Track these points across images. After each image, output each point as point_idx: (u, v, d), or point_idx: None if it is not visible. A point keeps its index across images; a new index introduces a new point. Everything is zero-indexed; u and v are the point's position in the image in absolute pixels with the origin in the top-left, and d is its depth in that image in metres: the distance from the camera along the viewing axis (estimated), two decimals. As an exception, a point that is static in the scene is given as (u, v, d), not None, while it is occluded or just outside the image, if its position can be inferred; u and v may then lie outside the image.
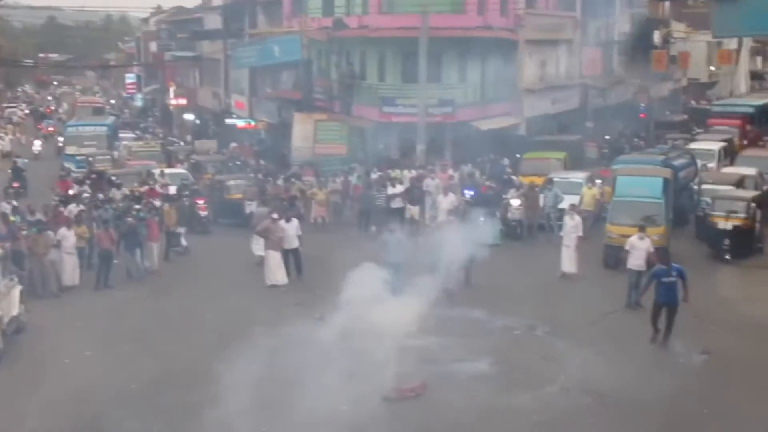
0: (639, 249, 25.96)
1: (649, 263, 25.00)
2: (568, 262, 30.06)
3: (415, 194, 38.73)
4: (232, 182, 41.68)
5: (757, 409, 19.06)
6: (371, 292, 22.91)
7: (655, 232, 28.81)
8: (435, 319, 22.68)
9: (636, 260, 25.90)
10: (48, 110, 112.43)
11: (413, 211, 37.62)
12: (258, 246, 32.09)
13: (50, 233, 29.34)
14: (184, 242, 34.78)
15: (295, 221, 30.78)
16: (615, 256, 29.12)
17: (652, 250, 25.92)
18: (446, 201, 35.53)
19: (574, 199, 34.77)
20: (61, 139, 69.07)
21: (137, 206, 33.69)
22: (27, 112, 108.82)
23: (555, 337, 23.79)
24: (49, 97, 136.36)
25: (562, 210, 33.09)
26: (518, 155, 47.02)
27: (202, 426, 17.31)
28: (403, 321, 21.67)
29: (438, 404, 19.05)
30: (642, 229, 26.62)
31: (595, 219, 35.66)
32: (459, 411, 18.70)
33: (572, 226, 30.19)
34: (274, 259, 29.55)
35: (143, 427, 17.93)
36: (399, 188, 39.02)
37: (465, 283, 27.43)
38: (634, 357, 21.88)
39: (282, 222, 30.12)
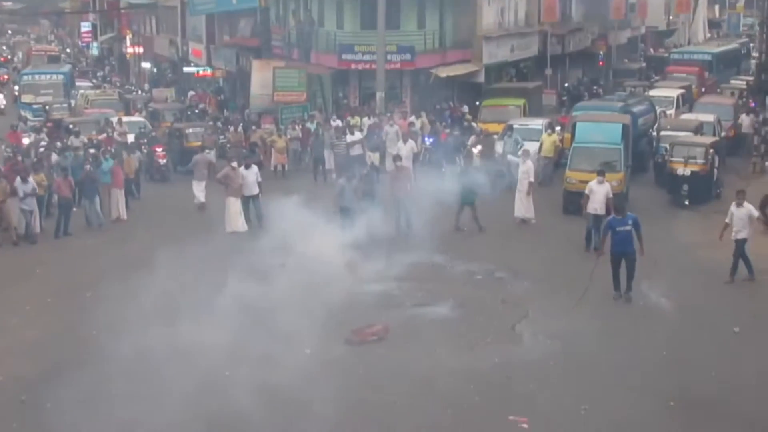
0: (598, 193, 26.18)
1: (608, 208, 25.23)
2: (522, 208, 30.24)
3: (374, 141, 38.72)
4: (190, 130, 41.48)
5: (716, 351, 19.35)
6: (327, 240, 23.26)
7: (614, 178, 28.96)
8: (396, 264, 22.84)
9: (595, 204, 26.12)
10: (3, 59, 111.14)
11: (374, 157, 37.64)
12: (200, 191, 32.51)
13: (4, 181, 29.18)
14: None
15: (254, 168, 30.69)
16: (574, 202, 29.24)
17: (611, 195, 26.16)
18: (406, 148, 35.55)
19: (534, 146, 34.91)
20: (16, 88, 68.38)
21: (91, 150, 33.65)
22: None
23: (514, 281, 23.98)
24: (3, 47, 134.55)
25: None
26: (477, 102, 47.05)
27: (163, 370, 17.35)
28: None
29: (399, 347, 19.13)
30: (601, 173, 26.75)
31: (555, 165, 35.81)
32: (420, 354, 18.81)
33: (524, 172, 30.27)
34: (235, 206, 29.48)
35: (104, 374, 17.91)
36: (358, 135, 38.97)
37: (479, 228, 28.61)
38: (595, 302, 22.06)
39: (242, 169, 30.04)
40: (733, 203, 24.05)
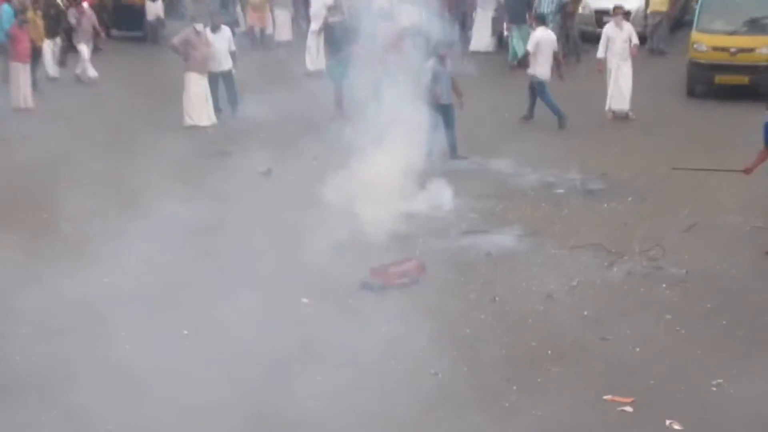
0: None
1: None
2: (619, 96, 29.76)
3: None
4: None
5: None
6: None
7: (764, 42, 28.83)
8: (442, 172, 22.61)
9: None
10: None
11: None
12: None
13: None
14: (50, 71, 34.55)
15: (226, 31, 30.35)
16: (704, 79, 29.08)
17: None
18: None
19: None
20: None
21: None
22: None
23: (611, 197, 23.80)
24: None
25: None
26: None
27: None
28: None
29: (436, 295, 18.61)
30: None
31: (674, 24, 35.53)
32: (466, 306, 18.29)
33: (623, 40, 29.56)
34: (197, 86, 29.21)
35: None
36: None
37: None
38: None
39: (207, 32, 29.61)
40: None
